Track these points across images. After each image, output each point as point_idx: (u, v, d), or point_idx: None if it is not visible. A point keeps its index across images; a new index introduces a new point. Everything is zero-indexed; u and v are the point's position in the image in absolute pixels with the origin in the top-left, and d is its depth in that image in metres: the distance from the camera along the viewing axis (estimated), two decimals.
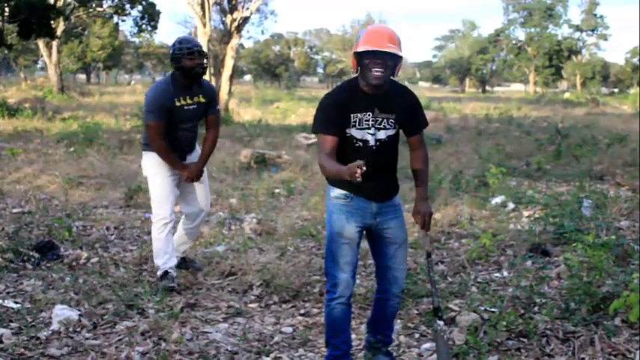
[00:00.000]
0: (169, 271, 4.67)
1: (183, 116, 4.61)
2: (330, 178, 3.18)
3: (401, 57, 3.08)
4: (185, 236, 5.00)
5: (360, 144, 3.13)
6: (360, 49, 3.02)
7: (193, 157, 4.84)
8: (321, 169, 3.12)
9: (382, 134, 3.15)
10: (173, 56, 4.51)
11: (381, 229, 3.24)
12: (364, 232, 3.29)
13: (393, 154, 3.25)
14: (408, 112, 3.21)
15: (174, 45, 4.53)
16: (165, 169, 4.69)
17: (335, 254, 3.20)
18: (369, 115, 3.11)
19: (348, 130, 3.12)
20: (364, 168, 2.77)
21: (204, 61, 4.53)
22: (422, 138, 3.32)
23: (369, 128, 3.12)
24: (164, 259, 4.67)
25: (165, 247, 4.68)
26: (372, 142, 3.13)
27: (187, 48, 4.48)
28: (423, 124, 3.31)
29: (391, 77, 3.16)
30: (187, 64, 4.48)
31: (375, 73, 3.03)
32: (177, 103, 4.55)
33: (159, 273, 4.69)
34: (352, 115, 3.10)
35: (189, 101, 4.60)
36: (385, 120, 3.14)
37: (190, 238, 5.07)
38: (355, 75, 3.16)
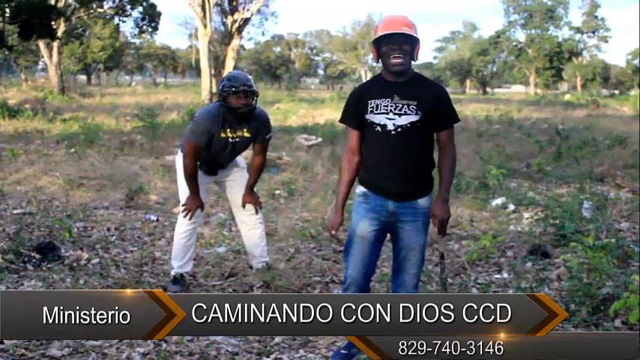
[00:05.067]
0: (184, 276, 4.69)
1: (224, 146, 4.52)
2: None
3: (418, 39, 3.15)
4: (247, 240, 4.89)
5: (379, 129, 3.15)
6: (377, 35, 3.13)
7: (230, 169, 4.78)
8: (339, 166, 3.37)
9: (403, 120, 3.13)
10: (220, 92, 4.38)
11: (396, 228, 3.26)
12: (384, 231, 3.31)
13: (417, 145, 3.20)
14: (432, 101, 3.18)
15: (223, 80, 4.43)
16: (199, 174, 4.62)
17: (349, 250, 3.30)
18: (387, 100, 3.15)
19: (367, 116, 3.18)
20: (333, 233, 3.34)
21: (253, 100, 4.37)
22: (451, 136, 3.27)
23: (387, 113, 3.15)
24: (181, 262, 4.68)
25: (185, 251, 4.68)
26: (390, 127, 3.14)
27: (233, 86, 4.29)
28: (453, 118, 3.27)
29: (416, 72, 3.25)
30: (232, 104, 4.34)
31: (394, 58, 3.11)
32: (222, 135, 4.46)
33: (173, 273, 4.69)
34: (370, 101, 3.17)
35: (231, 135, 4.49)
36: (406, 106, 3.14)
37: (251, 241, 4.87)
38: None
